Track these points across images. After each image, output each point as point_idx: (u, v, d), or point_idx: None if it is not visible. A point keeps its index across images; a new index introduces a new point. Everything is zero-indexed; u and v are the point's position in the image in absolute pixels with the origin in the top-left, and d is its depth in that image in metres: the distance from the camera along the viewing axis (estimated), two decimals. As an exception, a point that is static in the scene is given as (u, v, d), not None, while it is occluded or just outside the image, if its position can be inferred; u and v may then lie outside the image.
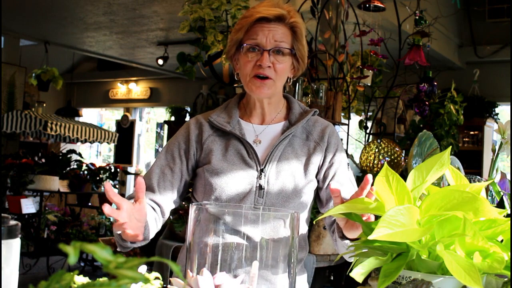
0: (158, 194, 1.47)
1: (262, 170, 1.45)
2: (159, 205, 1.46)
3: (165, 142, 9.40)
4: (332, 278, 4.14)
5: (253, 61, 1.45)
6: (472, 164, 6.49)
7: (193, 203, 1.01)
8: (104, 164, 7.55)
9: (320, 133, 1.53)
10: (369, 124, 4.63)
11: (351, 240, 1.29)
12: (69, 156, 6.47)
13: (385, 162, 1.57)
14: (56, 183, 6.15)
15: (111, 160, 10.64)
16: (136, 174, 9.52)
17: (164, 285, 1.06)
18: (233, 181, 1.43)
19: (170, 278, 1.16)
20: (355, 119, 5.58)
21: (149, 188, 1.47)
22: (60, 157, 6.39)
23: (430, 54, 4.78)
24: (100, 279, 0.57)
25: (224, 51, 1.60)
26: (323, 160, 1.50)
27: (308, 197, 1.49)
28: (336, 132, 1.57)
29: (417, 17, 4.14)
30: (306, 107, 1.58)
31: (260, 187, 1.43)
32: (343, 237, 1.32)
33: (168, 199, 1.49)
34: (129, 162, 9.68)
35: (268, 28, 1.44)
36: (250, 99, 1.54)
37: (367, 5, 4.10)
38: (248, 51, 1.46)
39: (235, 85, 4.12)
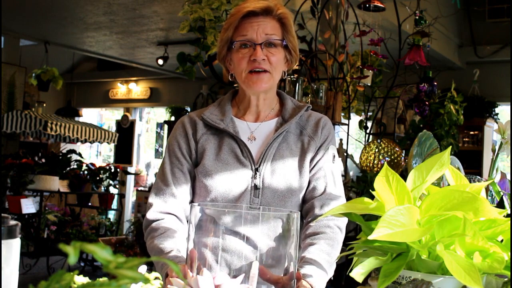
0: (180, 199, 1.46)
1: (256, 169, 1.43)
2: (184, 211, 1.46)
3: (165, 142, 9.38)
4: (332, 278, 4.14)
5: (246, 57, 1.43)
6: (472, 164, 6.48)
7: (193, 204, 1.01)
8: (104, 164, 7.55)
9: (314, 126, 1.51)
10: (369, 124, 4.62)
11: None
12: (69, 156, 6.47)
13: (385, 162, 1.57)
14: (56, 183, 6.15)
15: (111, 160, 10.63)
16: (136, 174, 9.52)
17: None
18: (227, 182, 1.42)
19: (170, 278, 1.16)
20: (355, 119, 5.58)
21: (171, 195, 1.45)
22: (60, 157, 6.39)
23: (430, 54, 4.78)
24: (100, 279, 0.57)
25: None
26: (315, 154, 1.49)
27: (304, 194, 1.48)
28: (330, 123, 1.55)
29: (417, 17, 4.14)
30: (299, 103, 1.57)
31: (255, 187, 1.42)
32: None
33: (188, 200, 1.49)
34: (129, 162, 9.67)
35: (257, 22, 1.43)
36: (244, 96, 1.53)
37: (367, 5, 4.10)
38: (240, 48, 1.45)
39: (235, 85, 4.11)
